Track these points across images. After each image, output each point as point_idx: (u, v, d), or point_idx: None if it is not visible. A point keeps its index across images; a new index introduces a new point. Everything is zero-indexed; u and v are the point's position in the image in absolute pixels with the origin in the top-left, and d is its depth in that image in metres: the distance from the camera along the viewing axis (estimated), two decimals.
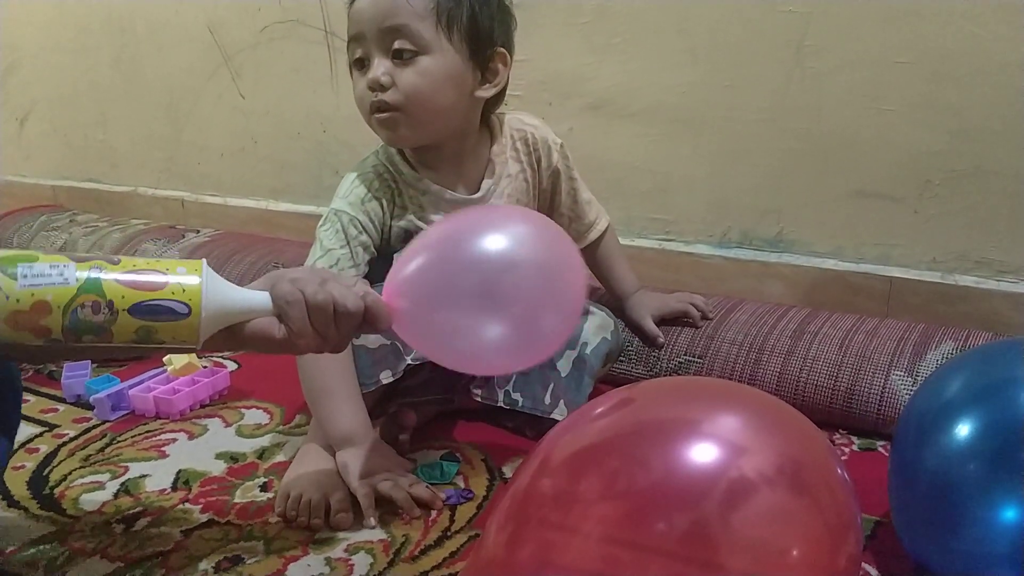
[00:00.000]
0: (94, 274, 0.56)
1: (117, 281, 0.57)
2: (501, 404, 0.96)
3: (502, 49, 0.93)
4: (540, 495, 0.58)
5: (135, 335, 0.58)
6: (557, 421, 0.91)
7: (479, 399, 0.97)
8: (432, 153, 0.95)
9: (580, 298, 0.70)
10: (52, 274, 0.55)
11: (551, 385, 0.96)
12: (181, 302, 0.58)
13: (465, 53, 0.90)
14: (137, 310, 0.57)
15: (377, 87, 0.88)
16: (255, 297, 0.63)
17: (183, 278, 0.59)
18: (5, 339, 0.55)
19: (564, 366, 0.98)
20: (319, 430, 0.89)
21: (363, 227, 0.93)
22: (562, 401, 0.95)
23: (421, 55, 0.88)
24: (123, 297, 0.57)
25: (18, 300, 0.54)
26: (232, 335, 0.63)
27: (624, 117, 1.30)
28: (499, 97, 0.97)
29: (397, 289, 0.67)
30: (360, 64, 0.91)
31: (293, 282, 0.63)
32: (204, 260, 0.62)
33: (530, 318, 0.66)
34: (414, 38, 0.87)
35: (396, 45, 0.87)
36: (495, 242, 0.66)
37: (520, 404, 0.96)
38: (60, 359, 1.10)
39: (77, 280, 0.56)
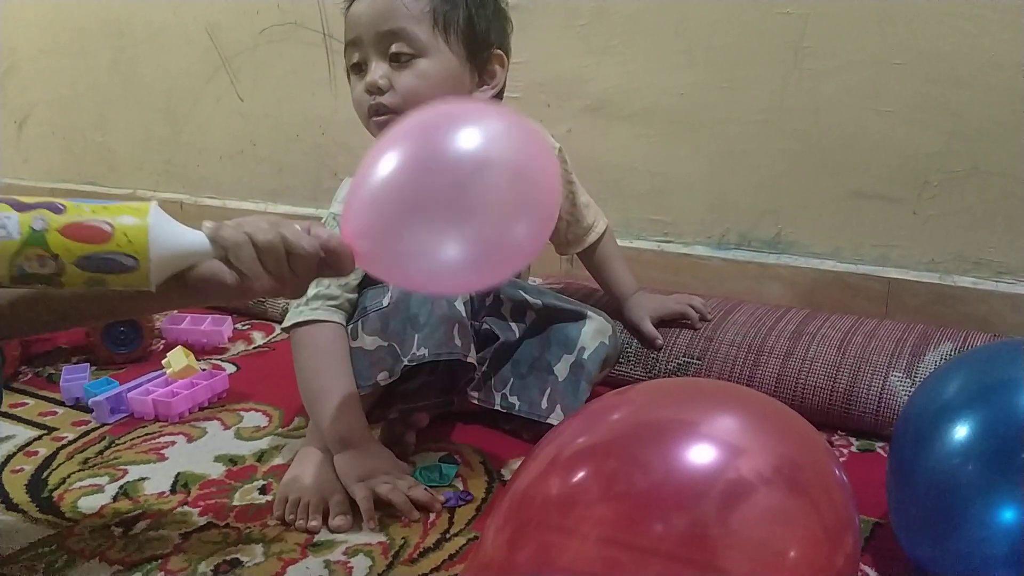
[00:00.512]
0: (37, 226, 0.55)
1: (61, 233, 0.56)
2: (498, 407, 0.96)
3: (499, 51, 0.93)
4: (539, 497, 0.58)
5: (85, 284, 0.57)
6: (548, 424, 0.91)
7: (476, 402, 0.97)
8: None
9: (555, 201, 0.65)
10: None
11: (548, 390, 0.96)
12: (128, 254, 0.57)
13: (462, 55, 0.90)
14: (84, 263, 0.56)
15: (375, 90, 0.88)
16: (197, 239, 0.61)
17: (129, 226, 0.57)
18: None
19: (562, 371, 0.98)
20: (317, 433, 0.89)
21: None
22: (559, 406, 0.95)
23: (418, 58, 0.88)
24: (68, 250, 0.56)
25: None
26: (184, 284, 0.61)
27: (622, 118, 1.30)
28: (497, 99, 0.97)
29: (355, 228, 0.63)
30: (358, 68, 0.91)
31: (237, 225, 0.61)
32: (153, 203, 0.60)
33: (501, 229, 0.60)
34: (411, 41, 0.87)
35: (393, 48, 0.88)
36: (457, 145, 0.60)
37: (517, 408, 0.96)
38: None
39: (20, 233, 0.55)
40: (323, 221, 0.95)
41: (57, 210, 0.57)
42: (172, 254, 0.59)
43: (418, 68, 0.88)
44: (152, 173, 1.88)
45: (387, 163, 0.61)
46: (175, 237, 0.60)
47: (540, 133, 0.64)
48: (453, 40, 0.89)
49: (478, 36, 0.91)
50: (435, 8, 0.88)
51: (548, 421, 0.94)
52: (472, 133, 0.60)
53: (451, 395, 0.99)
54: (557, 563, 0.53)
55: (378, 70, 0.88)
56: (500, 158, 0.60)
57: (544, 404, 0.95)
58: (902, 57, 1.10)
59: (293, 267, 0.62)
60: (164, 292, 0.60)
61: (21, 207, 0.56)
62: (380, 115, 0.89)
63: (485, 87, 0.93)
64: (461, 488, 0.88)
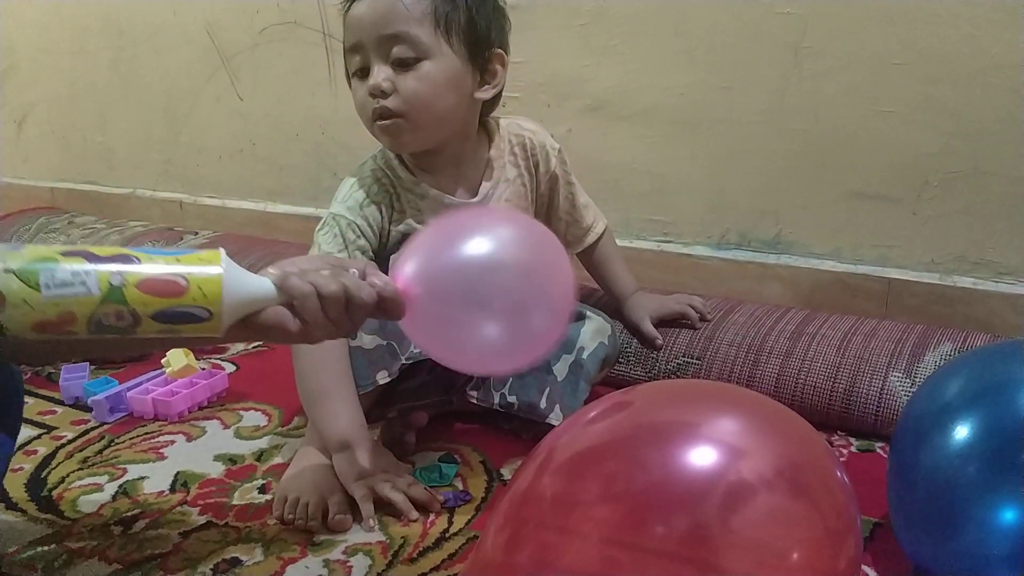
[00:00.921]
0: (116, 281, 0.56)
1: (138, 288, 0.57)
2: (496, 407, 0.96)
3: (499, 50, 0.93)
4: (539, 497, 0.58)
5: (159, 333, 0.59)
6: (553, 426, 0.91)
7: (475, 401, 0.97)
8: (431, 157, 0.95)
9: (569, 294, 0.69)
10: (75, 283, 0.56)
11: (547, 389, 0.96)
12: (202, 307, 0.59)
13: (464, 56, 0.90)
14: (159, 316, 0.58)
15: (379, 94, 0.88)
16: (266, 287, 0.63)
17: (203, 279, 0.59)
18: (30, 339, 0.56)
19: (560, 370, 0.98)
20: (316, 433, 0.89)
21: (361, 232, 0.93)
22: (558, 406, 0.95)
23: (421, 60, 0.88)
24: (145, 305, 0.57)
25: (44, 311, 0.55)
26: (248, 326, 0.63)
27: (622, 119, 1.30)
28: (496, 99, 0.97)
29: (412, 278, 0.65)
30: (360, 73, 0.90)
31: (303, 274, 0.63)
32: (222, 252, 0.61)
33: (526, 317, 0.65)
34: (413, 44, 0.87)
35: (396, 52, 0.87)
36: (508, 239, 0.66)
37: (516, 407, 0.96)
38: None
39: (99, 290, 0.56)
40: (323, 222, 0.95)
41: (131, 263, 0.58)
42: (242, 303, 0.61)
43: (421, 71, 0.88)
44: (152, 172, 1.88)
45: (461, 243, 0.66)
46: (245, 287, 0.61)
47: (553, 239, 0.70)
48: (455, 41, 0.89)
49: (479, 36, 0.91)
50: (436, 9, 0.87)
51: (548, 421, 0.94)
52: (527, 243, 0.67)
53: (450, 394, 0.99)
54: (557, 563, 0.53)
55: (380, 73, 0.88)
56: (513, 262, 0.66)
57: (543, 404, 0.95)
58: (902, 57, 1.09)
59: (351, 315, 0.64)
60: (229, 333, 0.62)
61: (96, 260, 0.57)
62: (384, 119, 0.89)
63: (486, 87, 0.93)
64: (461, 488, 0.88)
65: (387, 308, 0.64)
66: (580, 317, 1.01)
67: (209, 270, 0.59)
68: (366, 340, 0.90)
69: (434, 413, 1.00)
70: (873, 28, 1.10)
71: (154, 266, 0.58)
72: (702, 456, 0.55)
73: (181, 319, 0.58)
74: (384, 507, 0.82)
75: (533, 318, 0.65)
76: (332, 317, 0.63)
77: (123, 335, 0.58)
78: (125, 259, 0.58)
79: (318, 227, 0.95)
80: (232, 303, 0.60)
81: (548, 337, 0.67)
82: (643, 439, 0.57)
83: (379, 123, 0.90)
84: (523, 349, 0.67)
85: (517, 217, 0.75)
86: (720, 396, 0.64)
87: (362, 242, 0.93)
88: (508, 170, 0.99)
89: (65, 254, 0.57)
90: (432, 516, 0.82)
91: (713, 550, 0.51)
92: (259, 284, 0.62)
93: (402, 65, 0.88)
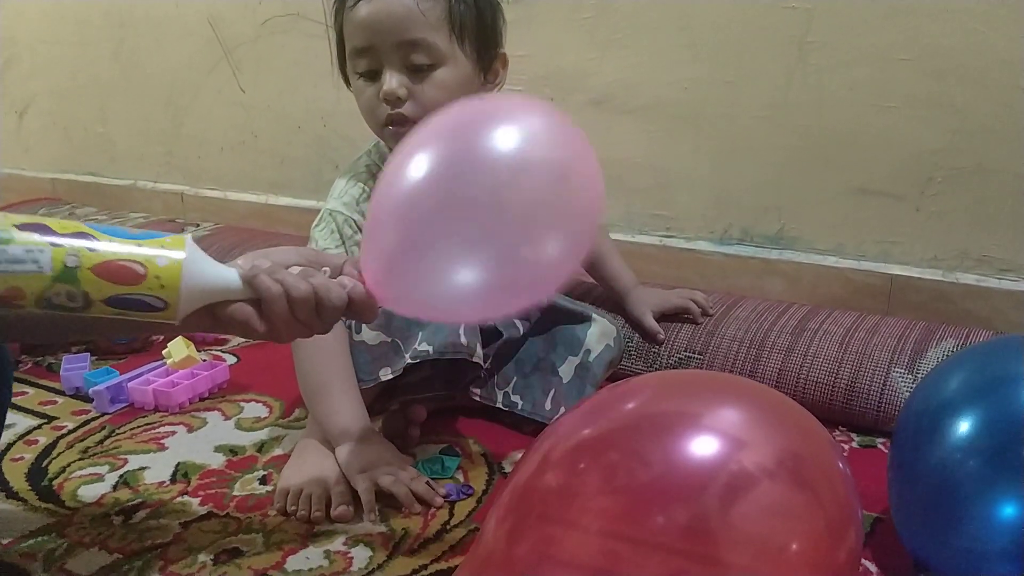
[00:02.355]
0: (71, 263, 0.54)
1: (93, 271, 0.55)
2: (500, 406, 0.96)
3: (503, 51, 0.93)
4: (540, 489, 0.57)
5: (110, 316, 0.57)
6: (544, 423, 0.91)
7: (478, 399, 0.97)
8: None
9: (595, 211, 0.59)
10: (26, 260, 0.54)
11: (552, 391, 0.96)
12: (158, 297, 0.56)
13: (474, 59, 0.90)
14: (112, 301, 0.56)
15: (393, 100, 0.87)
16: (230, 280, 0.60)
17: (162, 268, 0.56)
18: None
19: (566, 372, 0.97)
20: (317, 425, 0.89)
21: (358, 227, 0.93)
22: (563, 408, 0.95)
23: (437, 67, 0.87)
24: (98, 289, 0.55)
25: None
26: (213, 317, 0.61)
27: (625, 113, 1.30)
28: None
29: (377, 276, 0.62)
30: (368, 75, 0.89)
31: (273, 271, 0.61)
32: (188, 238, 0.59)
33: (534, 251, 0.56)
34: (431, 51, 0.86)
35: (413, 59, 0.86)
36: (491, 148, 0.56)
37: (520, 407, 0.96)
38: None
39: (52, 268, 0.54)
40: (319, 217, 0.94)
41: (91, 245, 0.56)
42: (202, 294, 0.59)
43: (437, 78, 0.87)
44: (153, 164, 1.88)
45: (409, 179, 0.57)
46: (206, 278, 0.59)
47: (581, 135, 0.60)
48: (467, 44, 0.89)
49: (488, 38, 0.91)
50: (451, 15, 0.87)
51: (543, 421, 0.94)
52: (509, 133, 0.56)
53: (453, 389, 0.99)
54: (558, 556, 0.53)
55: (395, 80, 0.86)
56: (540, 161, 0.55)
57: (548, 405, 0.95)
58: (907, 53, 1.09)
59: (321, 317, 0.62)
60: (190, 321, 0.60)
61: (56, 242, 0.55)
62: (398, 125, 0.88)
63: (488, 86, 0.94)
64: (462, 481, 0.88)
65: (357, 311, 0.62)
66: (586, 319, 1.01)
67: (170, 256, 0.57)
68: (369, 336, 0.89)
69: (433, 408, 1.00)
70: (878, 23, 1.10)
71: (113, 248, 0.56)
72: (703, 447, 0.55)
73: (134, 306, 0.56)
74: (385, 499, 0.82)
75: (539, 254, 0.56)
76: (301, 319, 0.61)
77: (73, 314, 0.56)
78: (84, 237, 0.56)
79: (314, 223, 0.95)
80: (190, 294, 0.58)
81: (562, 266, 0.58)
82: (644, 431, 0.57)
83: (392, 128, 0.89)
84: (528, 289, 0.59)
85: (506, 114, 0.60)
86: (722, 387, 0.64)
87: (359, 237, 0.93)
88: None
89: (21, 227, 0.54)
90: (434, 509, 0.83)
91: (713, 542, 0.51)
92: (223, 276, 0.60)
93: (416, 71, 0.87)
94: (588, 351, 0.99)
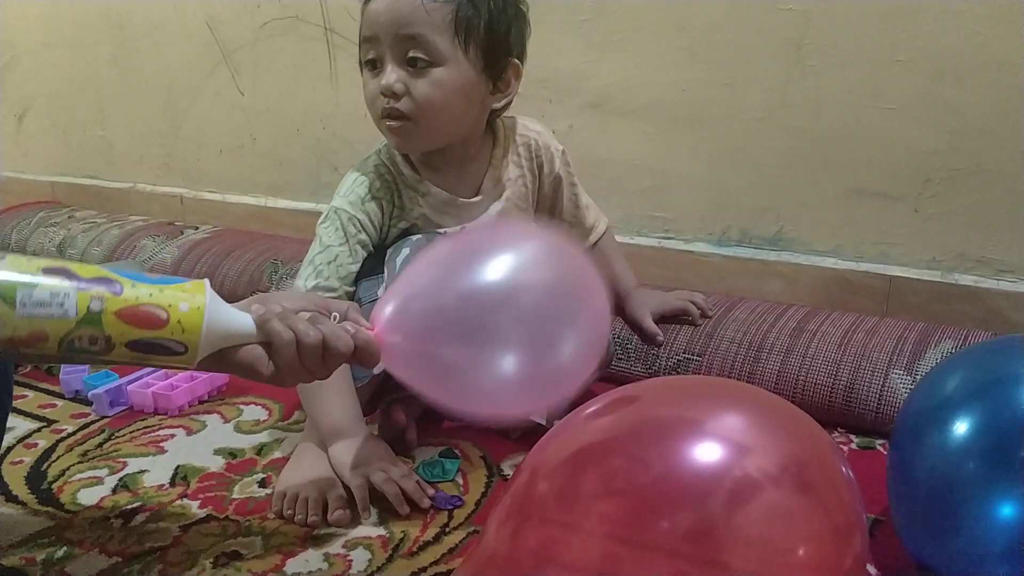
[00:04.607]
0: (95, 307, 0.55)
1: (117, 315, 0.56)
2: None
3: (516, 60, 0.93)
4: (542, 492, 0.57)
5: (130, 359, 0.58)
6: (539, 424, 0.91)
7: None
8: (436, 156, 0.95)
9: (603, 316, 0.65)
10: (52, 304, 0.55)
11: None
12: (179, 342, 0.58)
13: (479, 65, 0.90)
14: (134, 345, 0.57)
15: (390, 94, 0.88)
16: (245, 324, 0.62)
17: (184, 313, 0.58)
18: None
19: None
20: (315, 429, 0.89)
21: (362, 226, 0.93)
22: (547, 411, 0.94)
23: (435, 66, 0.87)
24: (121, 333, 0.56)
25: (15, 328, 0.54)
26: (221, 360, 0.62)
27: (623, 115, 1.30)
28: (507, 106, 0.97)
29: (389, 323, 0.63)
30: (372, 65, 0.90)
31: (284, 317, 0.62)
32: (206, 283, 0.60)
33: (542, 348, 0.61)
34: (430, 49, 0.87)
35: (411, 54, 0.87)
36: (495, 266, 0.62)
37: None
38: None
39: (77, 312, 0.55)
40: (324, 215, 0.94)
41: (115, 292, 0.57)
42: (219, 338, 0.60)
43: (434, 77, 0.87)
44: (152, 167, 1.88)
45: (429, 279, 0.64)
46: (224, 323, 0.60)
47: (581, 255, 0.66)
48: (472, 50, 0.88)
49: (497, 46, 0.90)
50: (457, 18, 0.87)
51: (533, 419, 0.93)
52: (507, 258, 0.62)
53: None
54: (560, 558, 0.53)
55: (393, 74, 0.87)
56: (537, 282, 0.62)
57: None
58: (904, 54, 1.09)
59: (326, 363, 0.64)
60: (199, 364, 0.62)
61: (81, 286, 0.56)
62: (393, 119, 0.89)
63: (499, 95, 0.94)
64: (462, 484, 0.88)
65: (360, 358, 0.64)
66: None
67: (192, 300, 0.58)
68: None
69: (418, 413, 1.00)
70: (875, 24, 1.10)
71: (136, 293, 0.57)
72: (706, 452, 0.55)
73: (155, 350, 0.58)
74: (381, 498, 0.82)
75: (549, 351, 0.61)
76: (307, 365, 0.63)
77: (92, 357, 0.57)
78: (106, 282, 0.57)
79: (320, 220, 0.95)
80: (209, 338, 0.59)
81: (575, 372, 0.62)
82: (646, 435, 0.57)
83: (387, 122, 0.90)
84: (542, 388, 0.63)
85: (524, 235, 0.68)
86: (724, 392, 0.64)
87: (363, 236, 0.93)
88: (511, 170, 0.99)
89: (46, 271, 0.55)
90: (431, 511, 0.82)
91: (717, 546, 0.51)
92: (239, 321, 0.61)
93: (415, 67, 0.87)
94: None
